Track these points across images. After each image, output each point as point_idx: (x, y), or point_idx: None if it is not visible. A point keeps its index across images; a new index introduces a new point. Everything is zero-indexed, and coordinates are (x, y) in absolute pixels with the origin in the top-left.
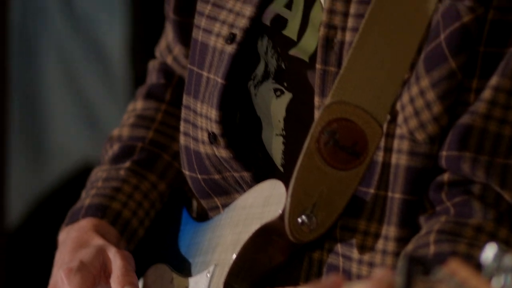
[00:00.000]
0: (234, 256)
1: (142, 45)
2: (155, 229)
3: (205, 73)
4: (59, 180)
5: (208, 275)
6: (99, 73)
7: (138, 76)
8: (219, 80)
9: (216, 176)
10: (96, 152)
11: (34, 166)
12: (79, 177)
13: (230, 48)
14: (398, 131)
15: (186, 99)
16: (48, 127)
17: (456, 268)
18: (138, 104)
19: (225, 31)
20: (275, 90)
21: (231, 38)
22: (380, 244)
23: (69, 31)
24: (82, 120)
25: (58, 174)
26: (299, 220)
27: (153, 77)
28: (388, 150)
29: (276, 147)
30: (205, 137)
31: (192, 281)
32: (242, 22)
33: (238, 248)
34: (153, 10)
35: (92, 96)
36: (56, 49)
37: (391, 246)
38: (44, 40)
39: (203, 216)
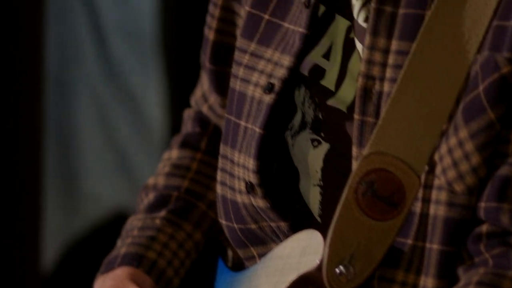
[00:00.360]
0: None
1: (177, 94)
2: (190, 279)
3: (242, 123)
4: (93, 226)
5: None
6: (133, 120)
7: (173, 124)
8: (257, 130)
9: (253, 226)
10: (130, 199)
11: (68, 212)
12: (113, 224)
13: (268, 98)
14: (437, 182)
15: (223, 149)
16: (82, 173)
17: None
18: (173, 153)
19: (263, 81)
20: (312, 140)
21: (269, 88)
22: None
23: (104, 78)
24: (116, 167)
25: (92, 220)
26: (337, 270)
27: (188, 126)
28: (426, 201)
29: (313, 197)
30: (242, 186)
31: None
32: (281, 72)
33: None
34: (189, 59)
35: (126, 143)
36: (92, 96)
37: None
38: (79, 87)
39: (238, 266)
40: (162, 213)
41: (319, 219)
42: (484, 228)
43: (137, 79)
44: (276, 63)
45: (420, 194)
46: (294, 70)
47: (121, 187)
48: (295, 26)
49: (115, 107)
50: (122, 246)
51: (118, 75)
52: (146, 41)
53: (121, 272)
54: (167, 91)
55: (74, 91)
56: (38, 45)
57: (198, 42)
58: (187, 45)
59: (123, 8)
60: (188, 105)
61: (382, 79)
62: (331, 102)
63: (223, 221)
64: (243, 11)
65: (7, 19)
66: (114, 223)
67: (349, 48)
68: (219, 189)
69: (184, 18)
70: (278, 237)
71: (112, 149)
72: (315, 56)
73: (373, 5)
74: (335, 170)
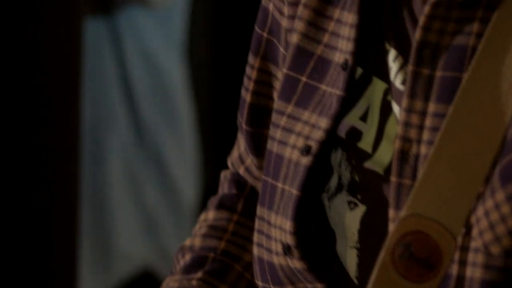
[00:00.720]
0: None
1: (206, 157)
2: None
3: (280, 185)
4: (123, 284)
5: None
6: (162, 183)
7: (201, 187)
8: (294, 192)
9: (290, 287)
10: (157, 259)
11: (101, 271)
12: (142, 283)
13: (305, 160)
14: (473, 244)
15: (260, 210)
16: (113, 233)
17: None
18: (210, 214)
19: (300, 143)
20: (349, 202)
21: (306, 150)
22: None
23: (134, 140)
24: (145, 229)
25: (121, 279)
26: None
27: (225, 187)
28: (463, 263)
29: (350, 259)
30: (279, 248)
31: None
32: (318, 134)
33: None
34: (218, 123)
35: (155, 206)
36: (122, 157)
37: None
38: (111, 148)
39: None
40: (199, 274)
41: (356, 281)
42: None
43: (166, 142)
44: (313, 125)
45: (456, 256)
46: (331, 132)
47: (149, 247)
48: (332, 88)
49: (144, 169)
50: None
51: (148, 137)
52: (176, 104)
53: None
54: (196, 155)
55: (106, 152)
56: (75, 106)
57: (227, 106)
58: (218, 110)
59: (153, 72)
60: (216, 168)
61: (419, 141)
62: (368, 164)
63: (259, 283)
64: (280, 73)
65: (49, 82)
66: (143, 282)
67: (386, 110)
68: (255, 250)
69: (215, 81)
70: None
71: (141, 211)
72: (352, 119)
73: (410, 67)
74: (372, 232)
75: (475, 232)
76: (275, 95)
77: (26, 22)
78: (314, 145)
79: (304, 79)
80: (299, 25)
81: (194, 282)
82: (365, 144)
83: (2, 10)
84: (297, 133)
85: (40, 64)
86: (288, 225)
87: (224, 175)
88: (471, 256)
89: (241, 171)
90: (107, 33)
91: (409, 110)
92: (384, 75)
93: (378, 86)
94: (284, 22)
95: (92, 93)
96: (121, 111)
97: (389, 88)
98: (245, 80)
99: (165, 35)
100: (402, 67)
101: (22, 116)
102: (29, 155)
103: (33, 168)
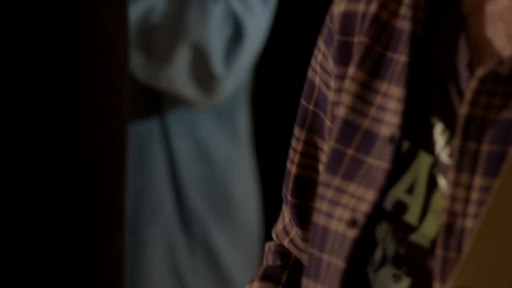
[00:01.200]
0: None
1: (251, 244)
2: None
3: (325, 257)
4: None
5: None
6: (208, 273)
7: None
8: (340, 264)
9: None
10: None
11: None
12: None
13: (351, 233)
14: None
15: (305, 282)
16: None
17: None
18: (255, 286)
19: (347, 215)
20: (394, 275)
21: (353, 223)
22: None
23: (179, 230)
24: None
25: None
26: None
27: (269, 258)
28: None
29: None
30: None
31: None
32: (364, 207)
33: None
34: (266, 209)
35: None
36: (166, 247)
37: None
38: (154, 235)
39: None
40: None
41: None
42: None
43: (212, 232)
44: (359, 198)
45: None
46: (377, 205)
47: None
48: (379, 161)
49: (188, 258)
50: None
51: (194, 228)
52: (224, 196)
53: None
54: (243, 246)
55: (148, 239)
56: (120, 191)
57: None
58: (264, 195)
59: (202, 163)
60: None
61: (464, 215)
62: (413, 237)
63: None
64: (326, 146)
65: (95, 173)
66: None
67: (431, 183)
68: None
69: (260, 171)
70: None
71: None
72: (398, 191)
73: (457, 141)
74: None
75: None
76: (321, 167)
77: (70, 128)
78: (360, 217)
79: (351, 152)
80: (346, 98)
81: None
82: (411, 217)
83: (43, 113)
84: (343, 205)
85: (83, 165)
86: None
87: (269, 247)
88: None
89: (286, 242)
90: (158, 126)
91: (455, 184)
92: (430, 148)
93: (424, 160)
94: (331, 96)
95: (140, 179)
96: (167, 198)
97: (435, 162)
98: (291, 153)
99: (218, 124)
100: (448, 141)
101: (66, 209)
102: (74, 244)
103: (76, 259)
